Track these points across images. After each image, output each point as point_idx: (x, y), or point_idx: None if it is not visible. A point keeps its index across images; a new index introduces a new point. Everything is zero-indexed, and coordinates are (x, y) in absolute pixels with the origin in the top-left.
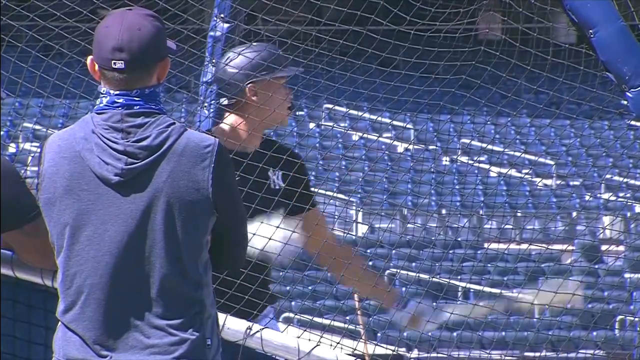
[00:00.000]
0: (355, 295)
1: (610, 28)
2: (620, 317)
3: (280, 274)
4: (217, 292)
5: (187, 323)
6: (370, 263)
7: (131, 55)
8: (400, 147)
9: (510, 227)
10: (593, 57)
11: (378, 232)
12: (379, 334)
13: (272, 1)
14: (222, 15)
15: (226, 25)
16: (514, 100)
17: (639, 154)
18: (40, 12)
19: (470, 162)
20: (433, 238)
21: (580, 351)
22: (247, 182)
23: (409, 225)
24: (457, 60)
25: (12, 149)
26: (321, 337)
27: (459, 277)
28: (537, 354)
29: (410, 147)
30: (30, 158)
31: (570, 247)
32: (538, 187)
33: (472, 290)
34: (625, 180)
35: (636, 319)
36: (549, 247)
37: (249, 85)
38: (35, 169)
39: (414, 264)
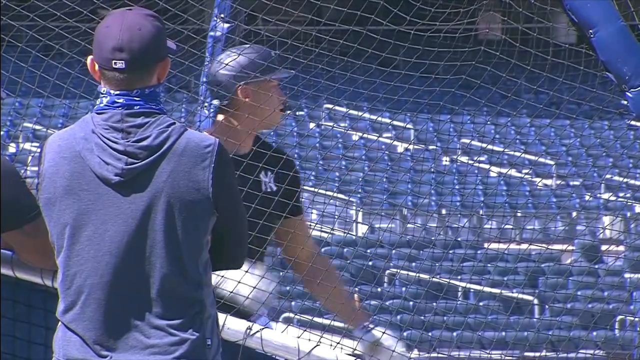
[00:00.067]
0: (355, 295)
1: (610, 28)
2: (620, 317)
3: (281, 274)
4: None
5: (187, 323)
6: (370, 263)
7: (132, 55)
8: (400, 147)
9: (510, 227)
10: (593, 57)
11: (378, 232)
12: None
13: (272, 1)
14: (222, 16)
15: (226, 25)
16: (514, 100)
17: (639, 154)
18: (40, 12)
19: (470, 162)
20: (433, 238)
21: (580, 351)
22: (239, 185)
23: (409, 225)
24: (457, 60)
25: (12, 149)
26: (321, 337)
27: (459, 277)
28: (537, 354)
29: (410, 147)
30: (30, 158)
31: (570, 247)
32: (538, 187)
33: (472, 290)
34: (625, 180)
35: (636, 319)
36: (549, 247)
37: (241, 87)
38: (35, 168)
39: (414, 264)
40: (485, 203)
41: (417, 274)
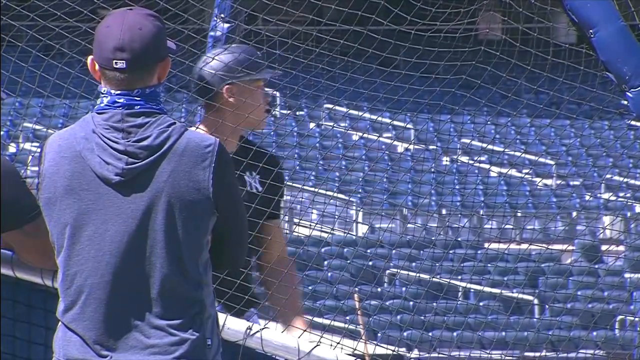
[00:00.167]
0: (356, 295)
1: (610, 28)
2: (620, 317)
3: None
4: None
5: (187, 323)
6: (370, 263)
7: (132, 55)
8: (401, 147)
9: (511, 227)
10: (593, 57)
11: (378, 232)
12: (379, 334)
13: (273, 1)
14: (222, 15)
15: (226, 25)
16: (514, 100)
17: (639, 154)
18: (40, 12)
19: (471, 162)
20: (433, 238)
21: (580, 351)
22: None
23: (409, 225)
24: (457, 60)
25: (12, 149)
26: (321, 337)
27: (459, 277)
28: (537, 354)
29: (411, 147)
30: (30, 158)
31: (570, 247)
32: (538, 187)
33: (472, 290)
34: (625, 180)
35: (636, 319)
36: (549, 247)
37: (225, 87)
38: (36, 168)
39: (414, 264)
40: (486, 203)
41: (418, 274)
